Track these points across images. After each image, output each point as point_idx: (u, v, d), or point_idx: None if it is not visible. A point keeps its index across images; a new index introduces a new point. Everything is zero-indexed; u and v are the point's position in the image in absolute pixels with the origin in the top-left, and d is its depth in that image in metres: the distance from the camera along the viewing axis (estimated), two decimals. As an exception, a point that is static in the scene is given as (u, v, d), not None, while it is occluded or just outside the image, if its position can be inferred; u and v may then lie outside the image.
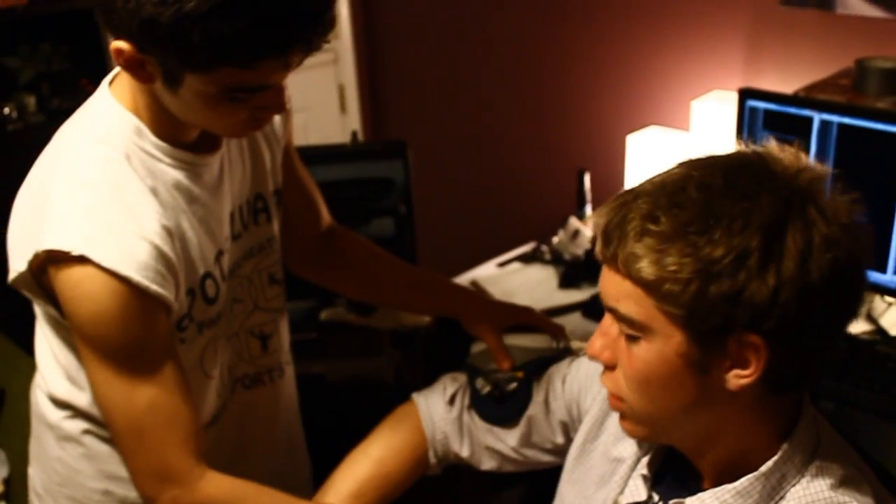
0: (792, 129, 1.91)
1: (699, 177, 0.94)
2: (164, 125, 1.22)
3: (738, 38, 2.56)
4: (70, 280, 1.14)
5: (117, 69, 1.25)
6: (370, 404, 2.30)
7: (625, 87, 2.89)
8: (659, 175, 0.98)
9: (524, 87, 3.18)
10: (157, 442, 1.21)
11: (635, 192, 0.97)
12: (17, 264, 1.19)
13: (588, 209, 2.59)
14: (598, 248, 0.99)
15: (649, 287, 0.93)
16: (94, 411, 1.32)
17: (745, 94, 2.00)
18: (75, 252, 1.12)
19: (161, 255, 1.17)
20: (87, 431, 1.35)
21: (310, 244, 1.60)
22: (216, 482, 1.24)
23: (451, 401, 1.43)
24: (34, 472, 1.47)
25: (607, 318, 1.03)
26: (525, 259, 2.58)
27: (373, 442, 1.41)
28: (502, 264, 2.57)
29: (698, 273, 0.90)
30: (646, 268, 0.92)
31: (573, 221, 2.52)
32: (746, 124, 2.00)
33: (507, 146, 3.31)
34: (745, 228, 0.90)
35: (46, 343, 1.35)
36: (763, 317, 0.90)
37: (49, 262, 1.15)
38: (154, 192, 1.20)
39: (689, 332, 0.94)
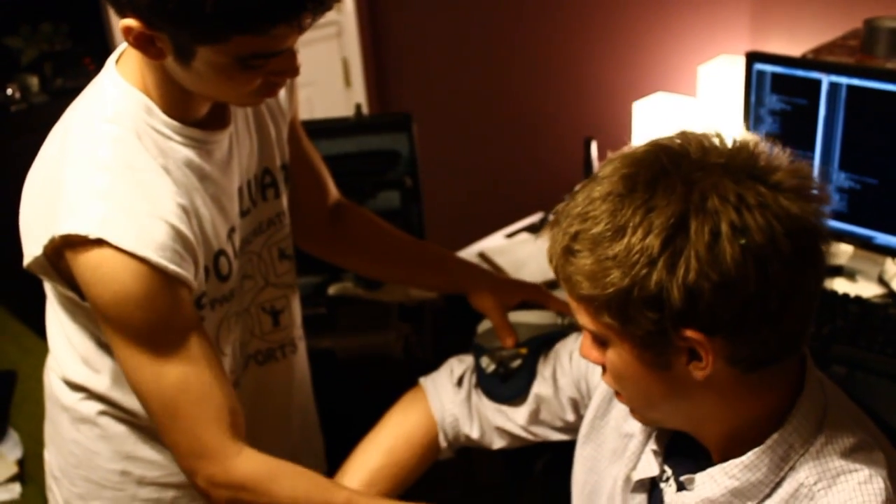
0: (800, 92, 1.89)
1: (606, 185, 0.95)
2: (174, 102, 1.21)
3: (744, 2, 2.53)
4: (89, 263, 1.13)
5: (123, 46, 1.24)
6: (379, 378, 2.31)
7: (630, 53, 2.86)
8: (586, 183, 0.99)
9: (529, 57, 3.16)
10: (189, 420, 1.20)
11: (565, 209, 1.00)
12: (32, 248, 1.19)
13: (595, 178, 2.57)
14: (554, 272, 1.01)
15: (587, 302, 0.97)
16: (110, 393, 1.32)
17: (752, 58, 1.98)
18: (92, 235, 1.11)
19: (178, 235, 1.17)
20: (102, 412, 1.35)
21: (317, 220, 1.59)
22: (252, 460, 1.23)
23: (459, 382, 1.43)
24: (50, 456, 1.47)
25: None
26: (533, 229, 2.57)
27: (382, 430, 1.41)
28: (510, 235, 2.57)
29: (619, 282, 0.91)
30: (580, 284, 0.95)
31: (581, 190, 2.51)
32: (754, 88, 1.98)
33: (513, 116, 3.29)
34: (649, 232, 0.90)
35: (60, 326, 1.35)
36: (688, 314, 0.90)
37: (66, 246, 1.14)
38: (167, 170, 1.19)
39: (631, 338, 0.96)
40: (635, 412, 1.09)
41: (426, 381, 1.45)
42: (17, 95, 3.03)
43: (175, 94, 1.20)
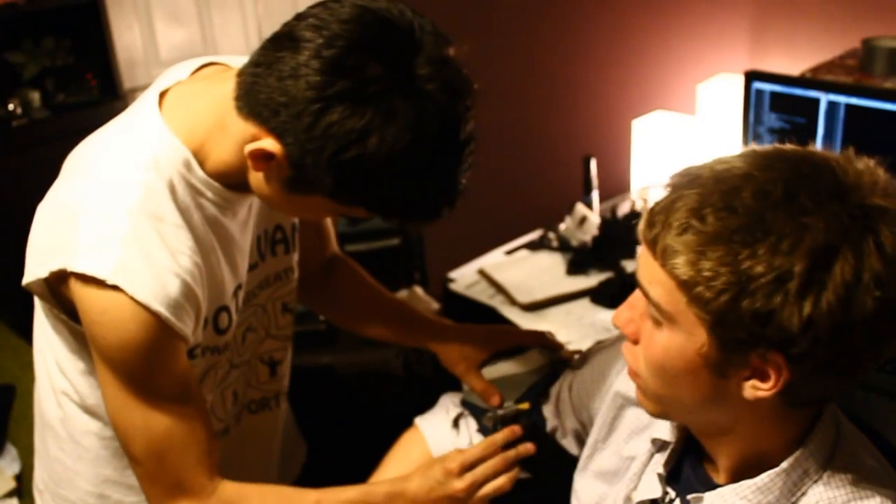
0: (799, 111, 1.90)
1: (760, 181, 0.88)
2: (220, 166, 1.19)
3: (743, 21, 2.54)
4: (98, 305, 1.13)
5: (162, 85, 1.22)
6: (379, 394, 2.31)
7: (630, 72, 2.88)
8: (721, 162, 0.93)
9: (528, 75, 3.17)
10: (174, 463, 1.22)
11: (692, 176, 0.92)
12: (37, 270, 1.18)
13: (595, 195, 2.58)
14: (640, 226, 0.94)
15: (681, 284, 0.89)
16: (95, 412, 1.32)
17: (750, 77, 1.99)
18: (109, 281, 1.11)
19: (189, 293, 1.17)
20: (86, 433, 1.35)
21: (311, 270, 1.57)
22: (225, 492, 1.25)
23: (456, 424, 1.41)
24: (37, 469, 1.48)
25: (637, 292, 0.99)
26: (532, 246, 2.57)
27: (382, 474, 1.39)
28: (510, 252, 2.57)
29: (733, 285, 0.85)
30: (681, 265, 0.88)
31: (580, 208, 2.52)
32: (753, 107, 1.99)
33: (513, 133, 3.30)
34: (793, 250, 0.84)
35: (47, 345, 1.34)
36: (792, 342, 0.86)
37: (73, 279, 1.14)
38: (191, 226, 1.19)
39: (713, 337, 0.90)
40: (648, 400, 1.03)
41: (423, 424, 1.43)
42: (19, 111, 3.03)
43: (225, 160, 1.18)
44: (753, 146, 0.94)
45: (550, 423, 1.37)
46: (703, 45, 2.64)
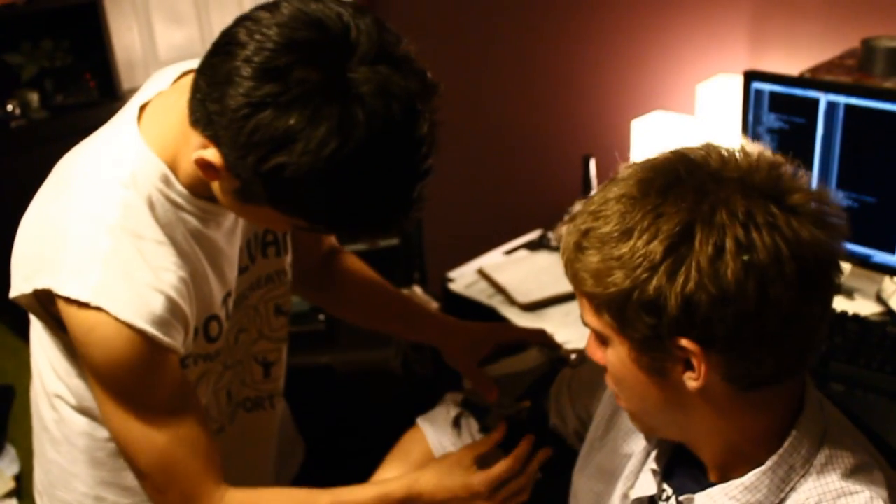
0: (798, 111, 1.90)
1: (622, 186, 0.96)
2: (190, 177, 1.18)
3: (742, 20, 2.54)
4: (84, 324, 1.14)
5: (142, 99, 1.22)
6: (378, 393, 2.31)
7: (629, 71, 2.87)
8: (606, 184, 1.00)
9: (527, 74, 3.17)
10: (180, 473, 1.22)
11: (583, 206, 1.00)
12: (22, 286, 1.18)
13: (594, 195, 2.57)
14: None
15: (590, 299, 0.98)
16: (89, 413, 1.32)
17: (750, 77, 1.99)
18: (93, 303, 1.11)
19: (174, 307, 1.17)
20: (81, 434, 1.35)
21: (310, 266, 1.58)
22: (235, 498, 1.25)
23: (457, 423, 1.42)
24: (35, 471, 1.48)
25: None
26: (532, 246, 2.57)
27: (384, 473, 1.40)
28: (509, 252, 2.57)
29: (620, 283, 0.92)
30: (585, 280, 0.97)
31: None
32: (752, 107, 1.99)
33: (512, 133, 3.30)
34: (654, 238, 0.90)
35: (42, 349, 1.34)
36: (684, 324, 0.91)
37: (60, 300, 1.15)
38: (173, 241, 1.18)
39: (628, 340, 0.96)
40: (634, 418, 1.08)
41: (424, 424, 1.44)
42: (18, 112, 3.02)
43: (192, 172, 1.17)
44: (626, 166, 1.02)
45: (552, 420, 1.38)
46: (702, 46, 2.64)
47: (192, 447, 1.22)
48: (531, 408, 1.38)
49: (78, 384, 1.30)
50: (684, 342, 0.92)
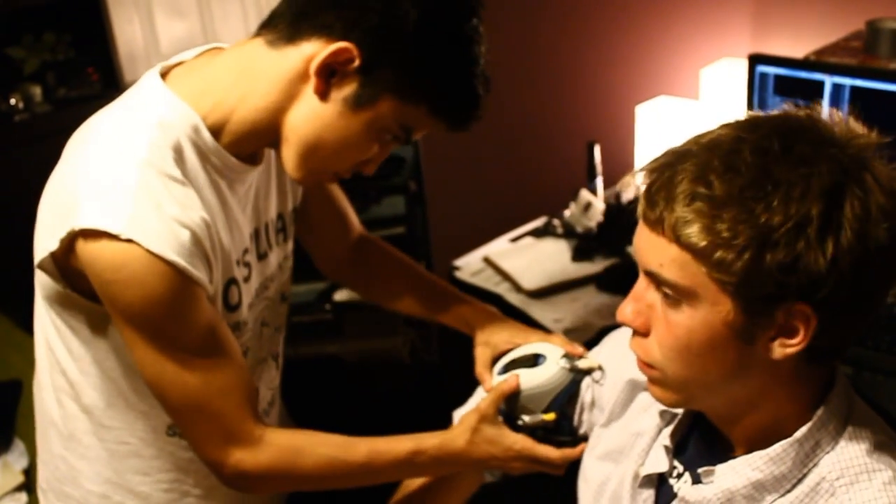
0: (804, 94, 1.89)
1: (754, 140, 0.90)
2: (229, 131, 1.19)
3: (746, 4, 2.53)
4: (112, 262, 1.10)
5: (162, 65, 1.23)
6: (386, 383, 2.31)
7: (633, 57, 2.87)
8: (703, 136, 0.94)
9: (531, 61, 3.16)
10: (215, 410, 1.20)
11: (681, 153, 0.93)
12: (47, 243, 1.15)
13: (599, 182, 2.57)
14: (640, 210, 0.94)
15: (699, 253, 0.89)
16: (97, 412, 1.31)
17: (754, 60, 1.98)
18: (123, 235, 1.09)
19: (200, 244, 1.15)
20: (86, 432, 1.34)
21: (341, 254, 1.59)
22: (276, 439, 1.24)
23: None
24: (40, 469, 1.47)
25: (641, 283, 0.99)
26: (537, 233, 2.57)
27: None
28: (514, 239, 2.57)
29: (754, 240, 0.86)
30: (696, 233, 0.88)
31: (584, 194, 2.51)
32: (757, 90, 1.98)
33: (516, 120, 3.29)
34: (805, 195, 0.86)
35: (46, 344, 1.33)
36: (818, 287, 0.87)
37: (84, 240, 1.11)
38: (196, 188, 1.17)
39: (739, 301, 0.90)
40: (666, 391, 1.02)
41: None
42: (21, 105, 3.02)
43: (237, 125, 1.18)
44: (726, 120, 0.97)
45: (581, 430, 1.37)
46: (706, 30, 2.63)
47: (226, 386, 1.20)
48: (556, 421, 1.37)
49: (83, 381, 1.30)
50: (802, 307, 0.89)
